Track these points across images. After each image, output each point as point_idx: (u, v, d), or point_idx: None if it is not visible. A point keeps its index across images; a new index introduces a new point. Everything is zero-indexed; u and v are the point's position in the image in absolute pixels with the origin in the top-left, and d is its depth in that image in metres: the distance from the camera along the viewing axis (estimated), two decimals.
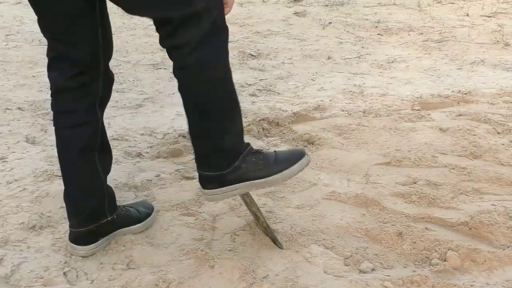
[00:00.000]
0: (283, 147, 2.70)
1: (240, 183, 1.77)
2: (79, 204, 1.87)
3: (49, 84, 1.81)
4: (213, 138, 1.75)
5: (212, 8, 1.63)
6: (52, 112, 1.84)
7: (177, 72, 1.71)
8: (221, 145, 1.75)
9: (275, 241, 1.95)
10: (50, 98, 1.82)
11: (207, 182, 1.79)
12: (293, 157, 1.83)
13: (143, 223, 2.02)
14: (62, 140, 1.83)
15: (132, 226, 1.99)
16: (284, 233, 2.02)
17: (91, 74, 1.78)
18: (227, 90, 1.74)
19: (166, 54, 1.72)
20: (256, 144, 2.72)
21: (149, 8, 1.62)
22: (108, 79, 1.88)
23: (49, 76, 1.80)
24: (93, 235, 1.89)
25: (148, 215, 2.05)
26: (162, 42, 1.68)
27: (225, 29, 1.69)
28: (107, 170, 1.94)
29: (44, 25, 1.71)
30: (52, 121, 1.84)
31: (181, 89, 1.73)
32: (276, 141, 2.77)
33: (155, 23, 1.67)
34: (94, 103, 1.81)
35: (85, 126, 1.80)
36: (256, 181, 1.78)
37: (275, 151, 1.87)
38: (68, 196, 1.88)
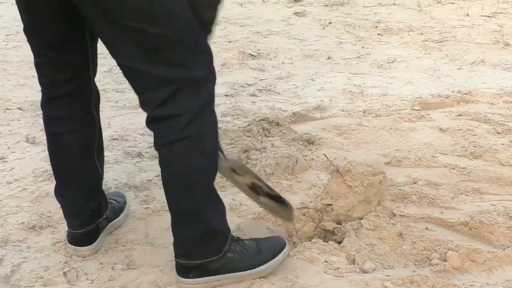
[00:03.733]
0: (284, 147, 2.70)
1: (225, 274, 1.71)
2: (81, 206, 1.86)
3: (41, 90, 1.77)
4: (206, 220, 1.64)
5: (209, 79, 1.56)
6: (45, 116, 1.78)
7: (166, 147, 1.55)
8: (213, 227, 1.66)
9: (282, 209, 1.90)
10: (42, 103, 1.77)
11: (188, 270, 1.69)
12: (276, 247, 1.79)
13: (124, 212, 2.05)
14: (61, 145, 1.78)
15: (118, 218, 2.02)
16: (284, 233, 2.03)
17: (84, 75, 1.74)
18: (216, 163, 1.67)
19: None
20: (256, 144, 2.72)
21: (146, 60, 1.47)
22: (94, 83, 1.83)
23: (41, 82, 1.75)
24: (93, 233, 1.90)
25: (125, 203, 2.09)
26: (154, 110, 1.52)
27: (213, 104, 1.62)
28: (103, 169, 1.94)
29: (35, 33, 1.64)
30: (46, 125, 1.79)
31: (170, 167, 1.59)
32: (276, 141, 2.76)
33: (144, 89, 1.52)
34: (89, 103, 1.78)
35: (84, 128, 1.78)
36: (240, 273, 1.72)
37: (253, 239, 1.81)
38: (67, 197, 1.86)
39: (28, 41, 1.67)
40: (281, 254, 1.79)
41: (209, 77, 1.57)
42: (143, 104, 1.57)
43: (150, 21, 1.42)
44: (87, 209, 1.86)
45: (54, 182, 2.18)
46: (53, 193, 1.89)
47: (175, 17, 1.45)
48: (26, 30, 1.65)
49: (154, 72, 1.48)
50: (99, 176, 1.89)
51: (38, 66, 1.71)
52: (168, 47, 1.47)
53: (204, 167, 1.61)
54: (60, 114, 1.74)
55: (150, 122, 1.58)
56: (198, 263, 1.68)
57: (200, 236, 1.66)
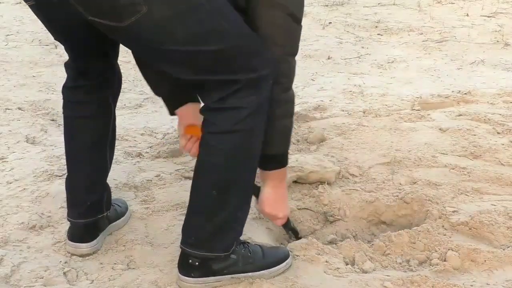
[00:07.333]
0: None
1: (226, 276, 1.71)
2: (81, 195, 1.87)
3: (66, 75, 1.82)
4: (229, 212, 1.64)
5: (271, 76, 1.58)
6: (65, 100, 1.85)
7: (216, 135, 1.56)
8: (233, 222, 1.67)
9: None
10: (65, 87, 1.83)
11: (192, 268, 1.69)
12: (280, 255, 1.79)
13: (125, 215, 2.06)
14: (75, 130, 1.83)
15: (119, 220, 2.02)
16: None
17: (109, 73, 1.81)
18: (256, 164, 1.67)
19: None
20: None
21: (210, 72, 1.52)
22: (119, 72, 1.90)
23: (67, 73, 1.81)
24: (92, 229, 1.91)
25: (126, 209, 2.10)
26: (215, 103, 1.55)
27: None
28: (110, 165, 1.95)
29: (59, 38, 1.73)
30: (64, 109, 1.86)
31: (213, 156, 1.58)
32: None
33: (207, 90, 1.55)
34: (109, 96, 1.83)
35: (100, 118, 1.83)
36: (241, 274, 1.72)
37: (258, 244, 1.82)
38: (71, 184, 1.88)
39: None
40: (284, 264, 1.78)
41: (272, 74, 1.60)
42: (204, 98, 1.59)
43: (204, 41, 1.46)
44: (87, 199, 1.87)
45: (54, 182, 2.17)
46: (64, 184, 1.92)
47: (226, 31, 1.48)
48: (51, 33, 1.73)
49: (219, 78, 1.52)
50: (105, 170, 1.92)
51: (67, 66, 1.80)
52: (227, 59, 1.51)
53: (248, 163, 1.63)
54: (80, 99, 1.80)
55: (206, 110, 1.59)
56: (204, 256, 1.67)
57: (218, 227, 1.65)
